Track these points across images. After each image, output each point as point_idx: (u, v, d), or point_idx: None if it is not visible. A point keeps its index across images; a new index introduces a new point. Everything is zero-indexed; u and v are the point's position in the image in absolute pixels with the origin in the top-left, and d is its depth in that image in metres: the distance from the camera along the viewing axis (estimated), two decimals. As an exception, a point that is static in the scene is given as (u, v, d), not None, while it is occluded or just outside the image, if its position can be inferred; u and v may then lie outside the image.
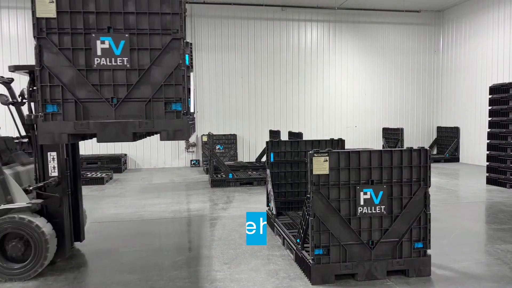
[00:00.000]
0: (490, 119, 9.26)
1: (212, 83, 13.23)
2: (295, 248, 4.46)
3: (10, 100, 4.65)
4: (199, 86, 12.96)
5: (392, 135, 13.41)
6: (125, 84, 3.62)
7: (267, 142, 5.73)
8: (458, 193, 8.68)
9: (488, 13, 12.23)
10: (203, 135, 12.86)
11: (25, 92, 4.47)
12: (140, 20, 3.61)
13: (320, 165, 3.87)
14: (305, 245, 4.27)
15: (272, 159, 5.75)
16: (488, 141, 9.32)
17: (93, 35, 3.57)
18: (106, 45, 3.58)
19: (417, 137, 14.70)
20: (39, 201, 4.30)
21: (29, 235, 4.05)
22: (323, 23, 13.88)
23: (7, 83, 4.72)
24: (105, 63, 3.59)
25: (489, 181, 9.19)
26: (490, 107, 9.25)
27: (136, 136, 3.75)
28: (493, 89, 9.21)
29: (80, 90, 3.59)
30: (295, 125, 13.55)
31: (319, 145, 5.74)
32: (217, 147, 12.59)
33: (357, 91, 14.21)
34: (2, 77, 4.73)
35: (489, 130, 9.32)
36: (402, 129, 12.89)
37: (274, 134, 10.53)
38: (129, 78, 3.61)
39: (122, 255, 4.88)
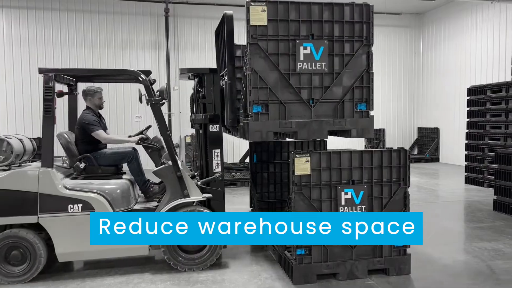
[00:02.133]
0: (468, 120, 9.45)
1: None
2: (277, 248, 4.47)
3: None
4: (183, 86, 12.89)
5: (374, 136, 13.56)
6: (322, 87, 3.98)
7: (250, 143, 5.73)
8: (437, 193, 8.84)
9: (467, 16, 12.51)
10: (186, 136, 12.79)
11: (165, 92, 4.63)
12: (336, 28, 3.99)
13: (302, 166, 3.89)
14: (287, 246, 4.28)
15: (255, 160, 5.75)
16: (466, 141, 9.51)
17: (297, 41, 3.90)
18: (308, 51, 3.94)
19: (399, 137, 14.91)
20: (209, 195, 4.46)
21: None
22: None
23: (151, 83, 4.70)
24: (306, 67, 3.94)
25: (468, 180, 9.38)
26: (468, 108, 9.45)
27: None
28: (471, 91, 9.40)
29: (283, 92, 3.93)
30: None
31: (302, 146, 5.77)
32: (200, 148, 12.51)
33: (340, 92, 14.32)
34: (148, 74, 4.71)
35: (467, 130, 9.51)
36: (383, 130, 13.07)
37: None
38: (324, 81, 3.98)
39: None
